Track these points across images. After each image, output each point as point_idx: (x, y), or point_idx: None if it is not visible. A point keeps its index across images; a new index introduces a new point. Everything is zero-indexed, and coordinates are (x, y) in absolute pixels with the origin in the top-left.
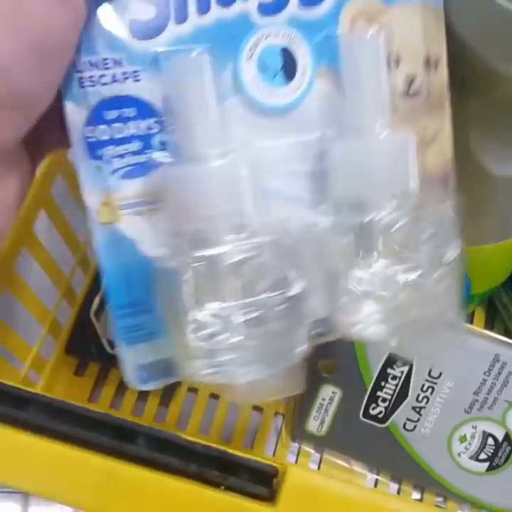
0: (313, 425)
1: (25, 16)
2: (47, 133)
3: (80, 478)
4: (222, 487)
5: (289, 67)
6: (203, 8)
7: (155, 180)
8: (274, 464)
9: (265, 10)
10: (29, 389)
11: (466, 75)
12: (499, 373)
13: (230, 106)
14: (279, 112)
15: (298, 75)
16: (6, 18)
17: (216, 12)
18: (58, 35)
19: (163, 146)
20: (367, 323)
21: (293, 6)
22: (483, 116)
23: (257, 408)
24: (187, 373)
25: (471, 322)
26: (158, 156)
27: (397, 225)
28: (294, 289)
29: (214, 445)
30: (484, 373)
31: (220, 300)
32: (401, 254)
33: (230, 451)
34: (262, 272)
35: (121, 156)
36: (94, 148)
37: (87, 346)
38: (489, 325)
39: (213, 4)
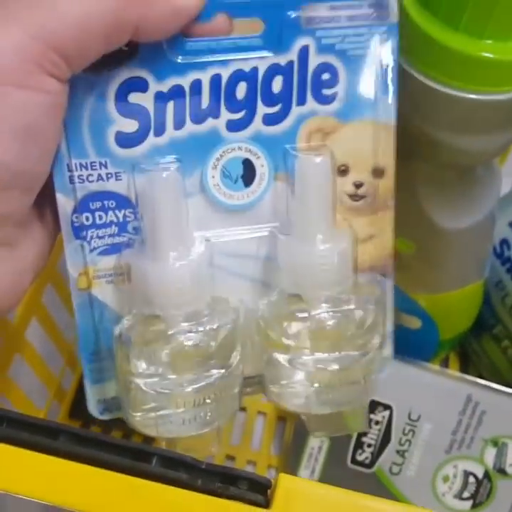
0: (305, 474)
1: (2, 106)
2: None
3: (105, 494)
4: (225, 496)
5: (249, 174)
6: (179, 124)
7: (125, 258)
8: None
9: (233, 126)
10: (57, 421)
11: (413, 145)
12: (473, 413)
13: (194, 202)
14: (238, 210)
15: (256, 180)
16: None
17: (190, 127)
18: (37, 118)
19: (135, 231)
20: (285, 393)
21: (257, 124)
22: (430, 176)
23: (251, 462)
24: (132, 422)
25: (446, 368)
26: (130, 238)
27: (328, 322)
28: (234, 364)
29: (216, 463)
30: (459, 413)
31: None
32: (328, 342)
33: (230, 466)
34: (210, 355)
35: (100, 237)
36: (78, 231)
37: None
38: (463, 371)
39: (188, 121)
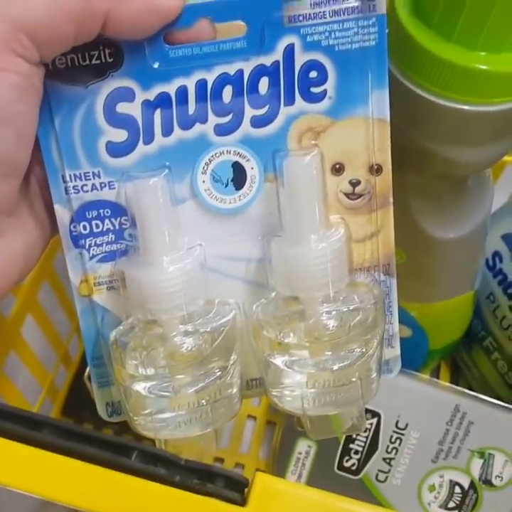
0: (291, 479)
1: None
2: None
3: (85, 486)
4: (202, 493)
5: (239, 177)
6: (167, 131)
7: (120, 266)
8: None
9: (221, 130)
10: (42, 414)
11: (404, 155)
12: (460, 423)
13: (186, 208)
14: (230, 213)
15: (247, 184)
16: None
17: (178, 134)
18: (8, 100)
19: (131, 238)
20: (284, 396)
21: (245, 126)
22: (421, 187)
23: (239, 464)
24: (133, 425)
25: (437, 379)
26: (128, 245)
27: (326, 322)
28: (231, 365)
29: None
30: (447, 423)
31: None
32: (326, 343)
33: (209, 464)
34: (207, 357)
35: (98, 245)
36: (77, 240)
37: (81, 408)
38: (454, 383)
39: (176, 128)
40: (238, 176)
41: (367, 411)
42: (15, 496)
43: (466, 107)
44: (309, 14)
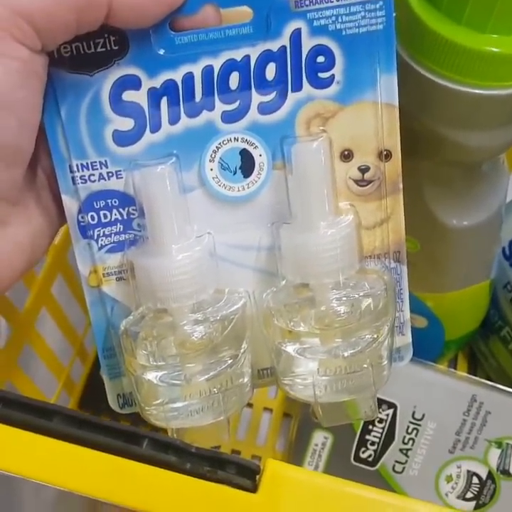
0: None
1: None
2: None
3: (96, 475)
4: (213, 480)
5: (247, 165)
6: (174, 119)
7: (129, 256)
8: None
9: (228, 118)
10: (52, 403)
11: (416, 142)
12: (477, 413)
13: (195, 196)
14: (239, 201)
15: (255, 171)
16: None
17: (185, 121)
18: (9, 86)
19: (139, 228)
20: (296, 384)
21: (253, 113)
22: (434, 174)
23: (256, 457)
24: (145, 415)
25: (454, 369)
26: (136, 235)
27: (337, 309)
28: (241, 353)
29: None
30: (463, 414)
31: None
32: (337, 330)
33: (219, 451)
34: (218, 345)
35: (107, 236)
36: (85, 230)
37: (98, 401)
38: (472, 373)
39: (183, 115)
40: (246, 164)
41: (383, 402)
42: (32, 489)
43: (476, 91)
44: None
